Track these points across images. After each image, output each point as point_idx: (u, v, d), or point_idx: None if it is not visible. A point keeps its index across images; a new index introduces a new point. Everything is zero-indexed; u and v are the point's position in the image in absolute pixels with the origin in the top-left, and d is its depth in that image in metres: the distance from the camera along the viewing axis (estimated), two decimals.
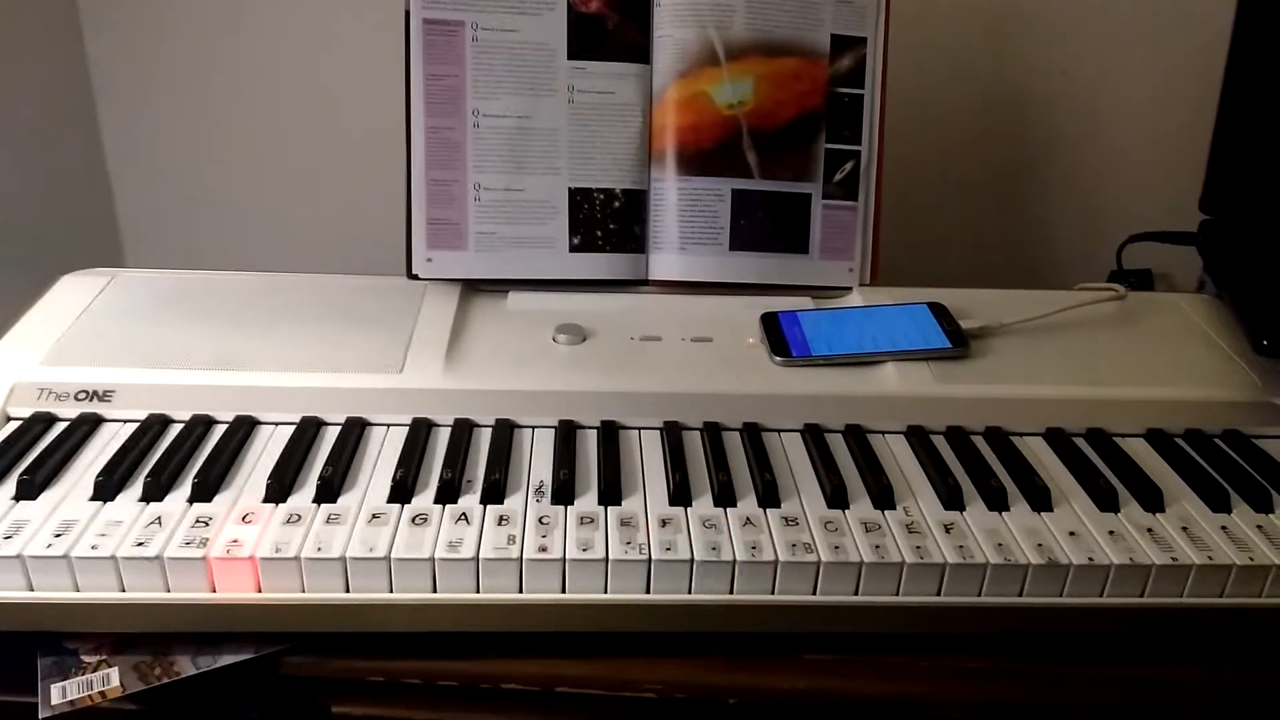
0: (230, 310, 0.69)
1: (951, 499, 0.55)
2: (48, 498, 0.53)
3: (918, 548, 0.52)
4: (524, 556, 0.50)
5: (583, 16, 0.72)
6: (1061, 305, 0.72)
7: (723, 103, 0.74)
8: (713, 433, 0.61)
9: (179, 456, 0.56)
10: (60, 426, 0.60)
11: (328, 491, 0.54)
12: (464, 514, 0.53)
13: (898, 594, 0.51)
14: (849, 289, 0.76)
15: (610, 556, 0.50)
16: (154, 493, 0.54)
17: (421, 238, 0.73)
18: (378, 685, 0.52)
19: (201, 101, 1.04)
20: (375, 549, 0.50)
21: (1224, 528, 0.55)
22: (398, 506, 0.54)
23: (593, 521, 0.53)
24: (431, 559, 0.50)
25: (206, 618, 0.50)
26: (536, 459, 0.58)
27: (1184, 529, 0.54)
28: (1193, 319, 0.74)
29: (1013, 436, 0.63)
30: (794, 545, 0.51)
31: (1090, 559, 0.51)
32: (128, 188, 1.09)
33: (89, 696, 0.49)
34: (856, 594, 0.51)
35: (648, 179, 0.75)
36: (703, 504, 0.55)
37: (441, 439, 0.60)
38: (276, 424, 0.61)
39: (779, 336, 0.68)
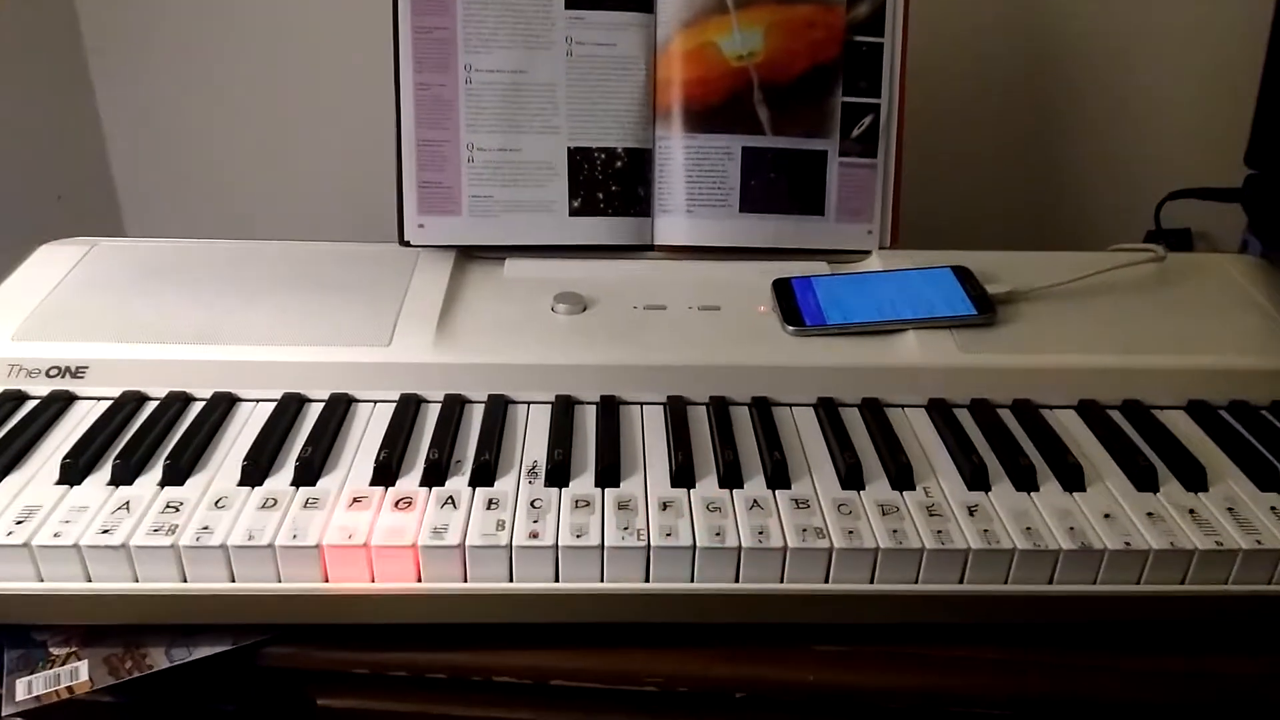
0: (212, 281, 0.66)
1: (976, 478, 0.53)
2: (12, 481, 0.51)
3: (939, 532, 0.49)
4: (513, 544, 0.48)
5: None
6: (1095, 268, 0.69)
7: (731, 54, 0.71)
8: (719, 408, 0.58)
9: (151, 437, 0.54)
10: (30, 405, 0.57)
11: (307, 473, 0.52)
12: (450, 497, 0.50)
13: (916, 582, 0.49)
14: (867, 252, 0.73)
15: (606, 543, 0.48)
16: (123, 476, 0.51)
17: (413, 202, 0.70)
18: (363, 678, 0.50)
19: (193, 64, 1.02)
20: (355, 535, 0.48)
21: (1273, 508, 0.52)
22: (380, 489, 0.51)
23: (588, 505, 0.50)
24: (414, 546, 0.48)
25: (179, 609, 0.48)
26: (531, 437, 0.56)
27: (1229, 510, 0.52)
28: (1237, 281, 0.71)
29: (1042, 410, 0.61)
30: (804, 530, 0.49)
31: (1127, 543, 0.49)
32: (122, 156, 1.07)
33: (55, 692, 0.47)
34: (872, 582, 0.49)
35: (652, 137, 0.71)
36: (707, 485, 0.52)
37: (431, 416, 0.58)
38: (257, 401, 0.59)
39: (792, 304, 0.65)
